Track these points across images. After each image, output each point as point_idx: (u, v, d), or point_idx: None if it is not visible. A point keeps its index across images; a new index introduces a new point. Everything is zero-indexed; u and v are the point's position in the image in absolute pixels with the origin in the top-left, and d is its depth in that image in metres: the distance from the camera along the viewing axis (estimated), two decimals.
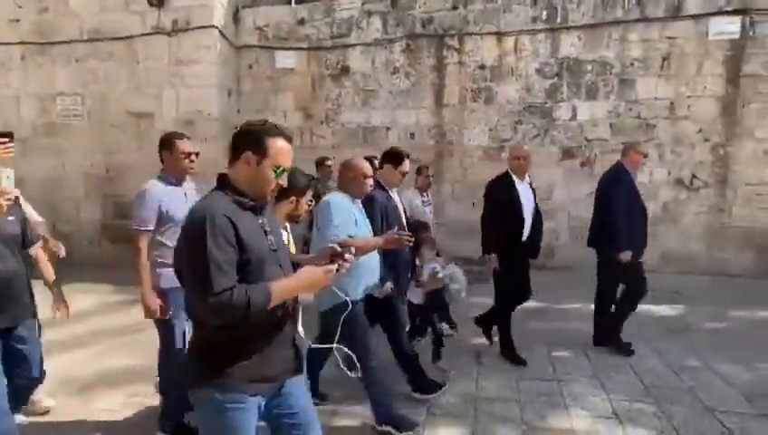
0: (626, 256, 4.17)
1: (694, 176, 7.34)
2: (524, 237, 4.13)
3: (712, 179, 7.30)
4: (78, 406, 3.46)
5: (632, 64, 7.44)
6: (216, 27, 7.85)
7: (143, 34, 7.97)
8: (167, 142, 2.96)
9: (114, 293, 6.37)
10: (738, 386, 3.69)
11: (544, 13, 7.64)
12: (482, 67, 7.93)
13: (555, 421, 3.23)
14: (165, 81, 8.00)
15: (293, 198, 2.51)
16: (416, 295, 4.08)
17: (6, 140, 2.74)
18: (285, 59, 8.49)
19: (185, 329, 2.96)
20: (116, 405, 3.50)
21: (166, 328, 2.93)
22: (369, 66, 8.29)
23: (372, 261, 3.09)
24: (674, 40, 7.26)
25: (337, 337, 2.17)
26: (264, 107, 8.66)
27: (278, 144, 1.72)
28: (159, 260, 2.87)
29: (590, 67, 7.57)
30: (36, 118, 8.41)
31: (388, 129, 8.29)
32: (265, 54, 8.57)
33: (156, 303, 2.84)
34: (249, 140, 1.71)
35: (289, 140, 1.77)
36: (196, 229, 1.57)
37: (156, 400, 3.36)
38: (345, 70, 8.37)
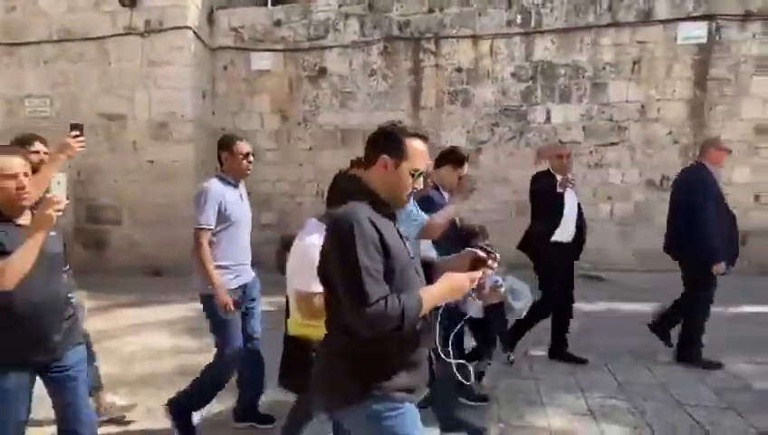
0: (719, 268, 3.85)
1: (664, 177, 7.54)
2: (570, 238, 4.02)
3: None
4: None
5: (604, 68, 7.61)
6: (190, 28, 7.75)
7: (115, 35, 7.81)
8: (226, 144, 2.97)
9: (86, 298, 6.19)
10: (707, 381, 3.80)
11: (519, 17, 7.75)
12: (458, 70, 8.00)
13: (532, 419, 3.27)
14: (137, 82, 7.85)
15: None
16: (475, 310, 3.42)
17: (77, 132, 2.58)
18: (261, 60, 8.43)
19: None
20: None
21: (228, 329, 2.93)
22: (347, 68, 8.29)
23: None
24: (644, 44, 7.46)
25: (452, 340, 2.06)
26: (239, 109, 8.59)
27: (415, 145, 1.63)
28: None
29: (563, 71, 7.72)
30: (3, 120, 8.15)
31: (365, 131, 8.27)
32: (241, 56, 8.50)
33: (229, 299, 2.84)
34: (386, 143, 1.63)
35: (425, 140, 1.67)
36: (343, 237, 1.49)
37: (133, 411, 3.33)
38: (322, 71, 8.35)
